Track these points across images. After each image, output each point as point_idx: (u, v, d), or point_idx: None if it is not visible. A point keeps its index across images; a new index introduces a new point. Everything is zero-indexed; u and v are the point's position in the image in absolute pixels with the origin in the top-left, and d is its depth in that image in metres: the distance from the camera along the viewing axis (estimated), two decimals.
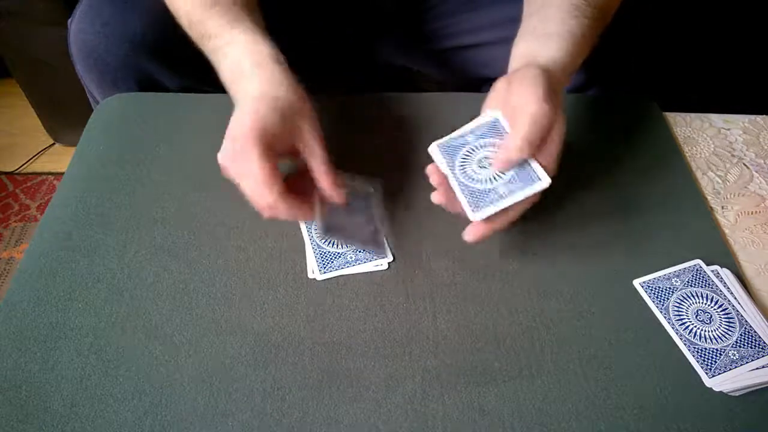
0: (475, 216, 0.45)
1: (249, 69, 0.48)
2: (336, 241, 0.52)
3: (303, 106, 0.48)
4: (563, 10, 0.51)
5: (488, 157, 0.47)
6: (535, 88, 0.45)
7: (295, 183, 0.49)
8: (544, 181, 0.45)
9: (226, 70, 0.50)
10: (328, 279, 0.51)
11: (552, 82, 0.46)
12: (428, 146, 0.50)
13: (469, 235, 0.47)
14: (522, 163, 0.46)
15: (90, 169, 0.59)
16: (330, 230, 0.50)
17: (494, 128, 0.48)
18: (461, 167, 0.48)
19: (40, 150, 1.48)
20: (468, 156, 0.48)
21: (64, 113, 1.36)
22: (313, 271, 0.51)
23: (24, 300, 0.48)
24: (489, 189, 0.46)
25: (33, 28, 1.17)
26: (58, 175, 1.43)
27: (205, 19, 0.51)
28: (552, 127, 0.45)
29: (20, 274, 0.50)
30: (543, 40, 0.50)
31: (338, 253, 0.52)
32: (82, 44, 0.65)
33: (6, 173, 1.43)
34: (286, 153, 0.48)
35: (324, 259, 0.52)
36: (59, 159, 1.47)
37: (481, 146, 0.48)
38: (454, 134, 0.50)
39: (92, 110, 0.68)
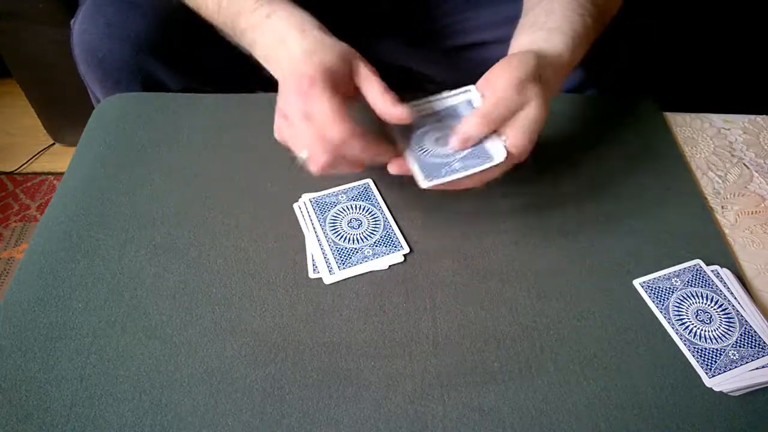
0: (423, 184, 0.46)
1: (294, 35, 0.48)
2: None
3: (356, 52, 0.48)
4: (568, 7, 0.51)
5: (447, 135, 0.48)
6: (514, 70, 0.46)
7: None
8: (497, 158, 0.45)
9: (264, 46, 0.50)
10: (339, 277, 0.51)
11: (540, 69, 0.46)
12: None
13: (393, 168, 0.48)
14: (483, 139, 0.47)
15: (90, 169, 0.59)
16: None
17: (461, 109, 0.49)
18: (418, 142, 0.49)
19: (40, 150, 1.48)
20: (427, 134, 0.49)
21: (64, 113, 1.36)
22: (321, 267, 0.51)
23: (24, 300, 0.48)
24: (444, 162, 0.46)
25: (33, 28, 1.17)
26: (58, 175, 1.43)
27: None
28: (519, 110, 0.46)
29: (20, 274, 0.50)
30: (545, 33, 0.50)
31: (355, 249, 0.52)
32: (85, 44, 0.65)
33: (6, 173, 1.43)
34: (349, 93, 0.48)
35: (342, 255, 0.52)
36: (59, 159, 1.47)
37: (442, 127, 0.49)
38: (424, 105, 0.50)
39: (93, 110, 0.68)
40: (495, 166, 0.46)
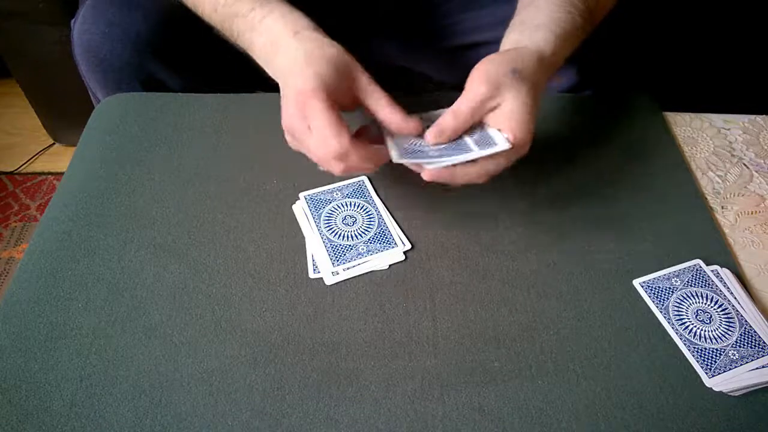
0: (396, 159, 0.46)
1: (288, 38, 0.48)
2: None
3: (353, 60, 0.48)
4: (555, 4, 0.52)
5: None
6: (482, 66, 0.48)
7: (362, 136, 0.49)
8: (501, 144, 0.46)
9: (262, 46, 0.50)
10: (333, 275, 0.51)
11: (513, 62, 0.47)
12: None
13: (426, 175, 0.47)
14: (481, 130, 0.48)
15: (90, 169, 0.59)
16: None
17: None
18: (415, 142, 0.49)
19: (40, 150, 1.48)
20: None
21: (64, 113, 1.36)
22: (321, 267, 0.51)
23: (24, 300, 0.48)
24: (423, 151, 0.47)
25: (33, 28, 1.17)
26: (58, 175, 1.43)
27: (233, 1, 0.51)
28: (496, 104, 0.47)
29: (20, 274, 0.50)
30: (530, 31, 0.51)
31: (349, 246, 0.52)
32: (86, 44, 0.65)
33: (6, 173, 1.43)
34: (348, 105, 0.48)
35: (336, 252, 0.52)
36: (59, 159, 1.48)
37: None
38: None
39: (93, 110, 0.68)
40: (500, 152, 0.46)
